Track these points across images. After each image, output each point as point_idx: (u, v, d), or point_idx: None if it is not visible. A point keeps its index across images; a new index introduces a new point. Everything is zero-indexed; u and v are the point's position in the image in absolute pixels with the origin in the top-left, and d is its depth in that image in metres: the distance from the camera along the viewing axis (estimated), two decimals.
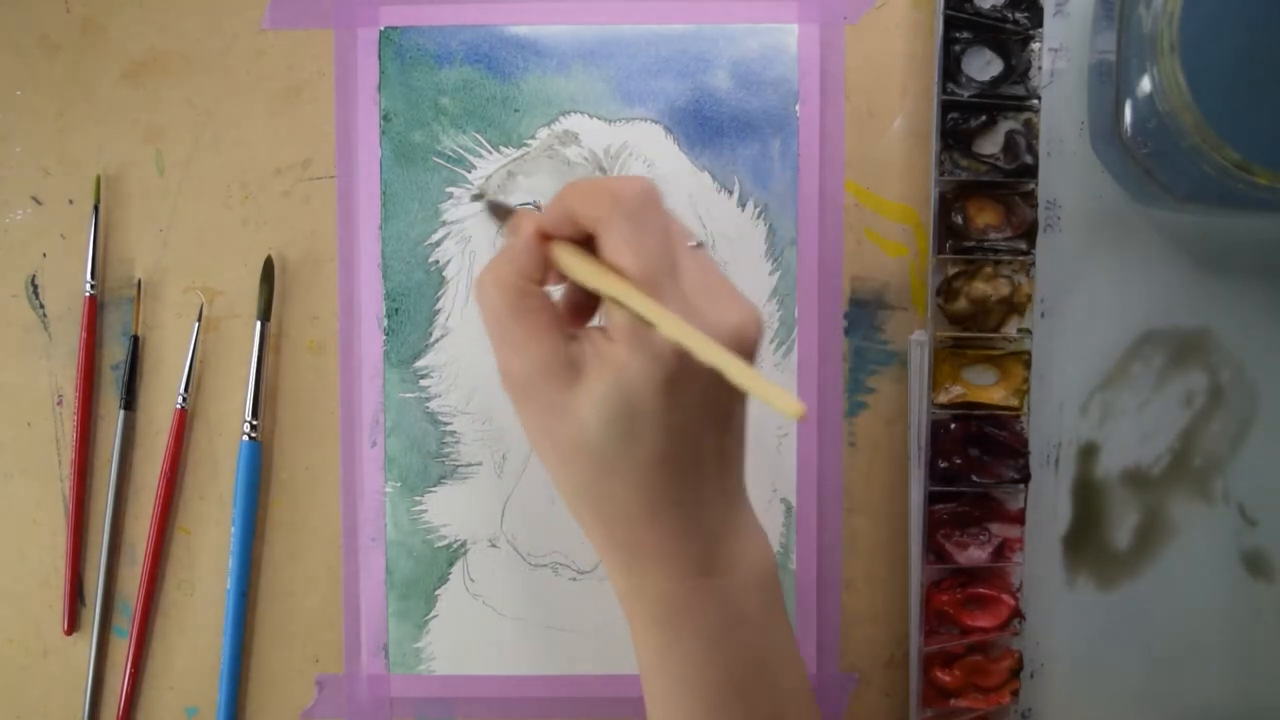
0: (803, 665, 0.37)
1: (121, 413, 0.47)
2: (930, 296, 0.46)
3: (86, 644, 0.48)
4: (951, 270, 0.46)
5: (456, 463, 0.47)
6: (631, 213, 0.32)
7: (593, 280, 0.33)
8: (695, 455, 0.34)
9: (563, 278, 0.35)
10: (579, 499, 0.35)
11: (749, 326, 0.33)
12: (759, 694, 0.36)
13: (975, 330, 0.46)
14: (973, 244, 0.45)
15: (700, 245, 0.39)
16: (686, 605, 0.35)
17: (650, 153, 0.47)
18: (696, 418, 0.33)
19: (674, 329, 0.30)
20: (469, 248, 0.47)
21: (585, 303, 0.37)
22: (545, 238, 0.34)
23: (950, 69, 0.45)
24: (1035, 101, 0.45)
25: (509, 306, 0.34)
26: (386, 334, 0.47)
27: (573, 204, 0.33)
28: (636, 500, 0.34)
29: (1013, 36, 0.45)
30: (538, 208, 0.47)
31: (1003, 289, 0.45)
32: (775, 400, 0.28)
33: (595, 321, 0.37)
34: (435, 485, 0.47)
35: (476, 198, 0.46)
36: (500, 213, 0.41)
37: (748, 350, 0.33)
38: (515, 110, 0.47)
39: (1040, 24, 0.45)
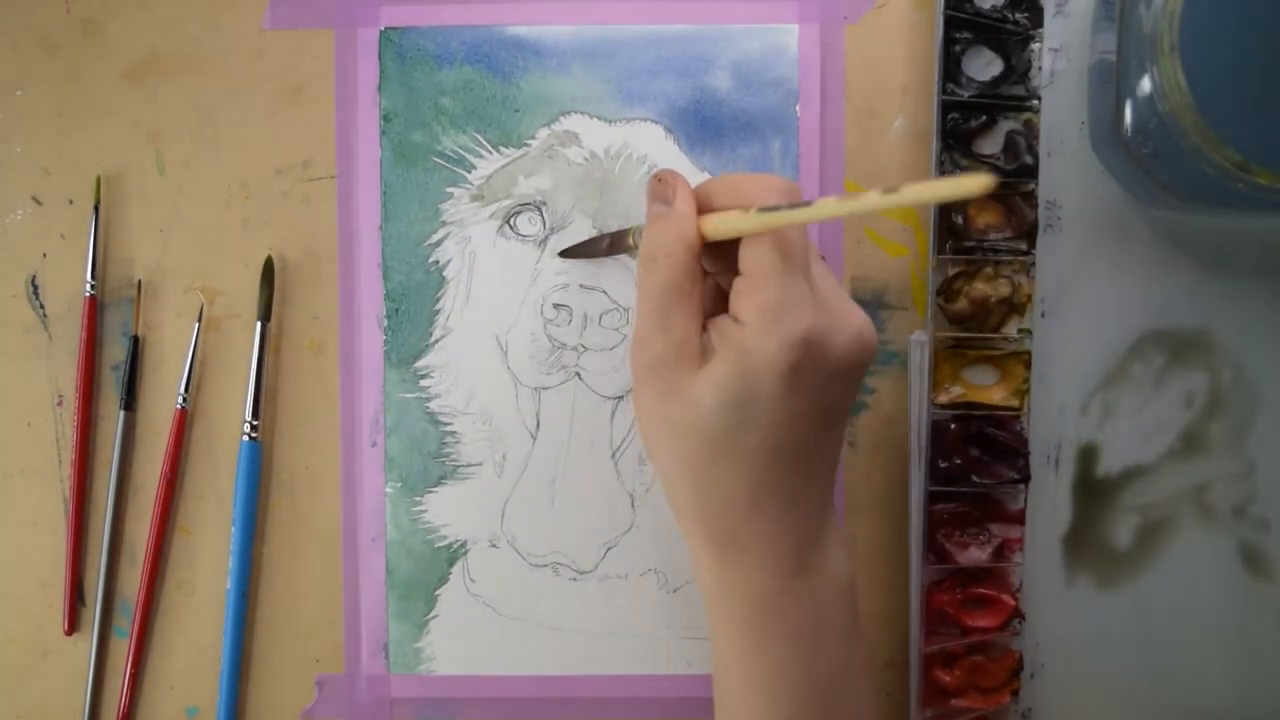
0: (874, 682, 0.37)
1: (121, 413, 0.47)
2: (930, 296, 0.46)
3: (86, 644, 0.48)
4: (952, 270, 0.46)
5: (457, 463, 0.47)
6: (781, 190, 0.34)
7: (754, 223, 0.33)
8: (803, 450, 0.34)
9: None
10: (682, 486, 0.35)
11: (868, 329, 0.34)
12: (841, 705, 0.35)
13: (975, 330, 0.46)
14: (973, 244, 0.45)
15: (823, 257, 0.41)
16: (779, 604, 0.35)
17: (650, 153, 0.47)
18: (810, 412, 0.34)
19: (833, 206, 0.31)
20: (469, 248, 0.47)
21: (716, 300, 0.37)
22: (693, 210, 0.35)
23: (950, 69, 0.45)
24: (1035, 102, 0.45)
25: (676, 283, 0.34)
26: (386, 334, 0.47)
27: (721, 191, 0.35)
28: (741, 489, 0.34)
29: (1013, 36, 0.45)
30: (539, 208, 0.47)
31: (1003, 289, 0.45)
32: (965, 186, 0.27)
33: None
34: (435, 485, 0.47)
35: (564, 254, 0.46)
36: (600, 245, 0.43)
37: (869, 353, 0.34)
38: (515, 110, 0.47)
39: (1040, 24, 0.45)
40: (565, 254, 0.46)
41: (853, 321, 0.34)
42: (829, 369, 0.33)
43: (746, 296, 0.33)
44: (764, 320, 0.33)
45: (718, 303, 0.37)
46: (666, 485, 0.36)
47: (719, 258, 0.36)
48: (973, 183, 0.26)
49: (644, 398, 0.35)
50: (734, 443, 0.33)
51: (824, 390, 0.34)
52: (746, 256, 0.34)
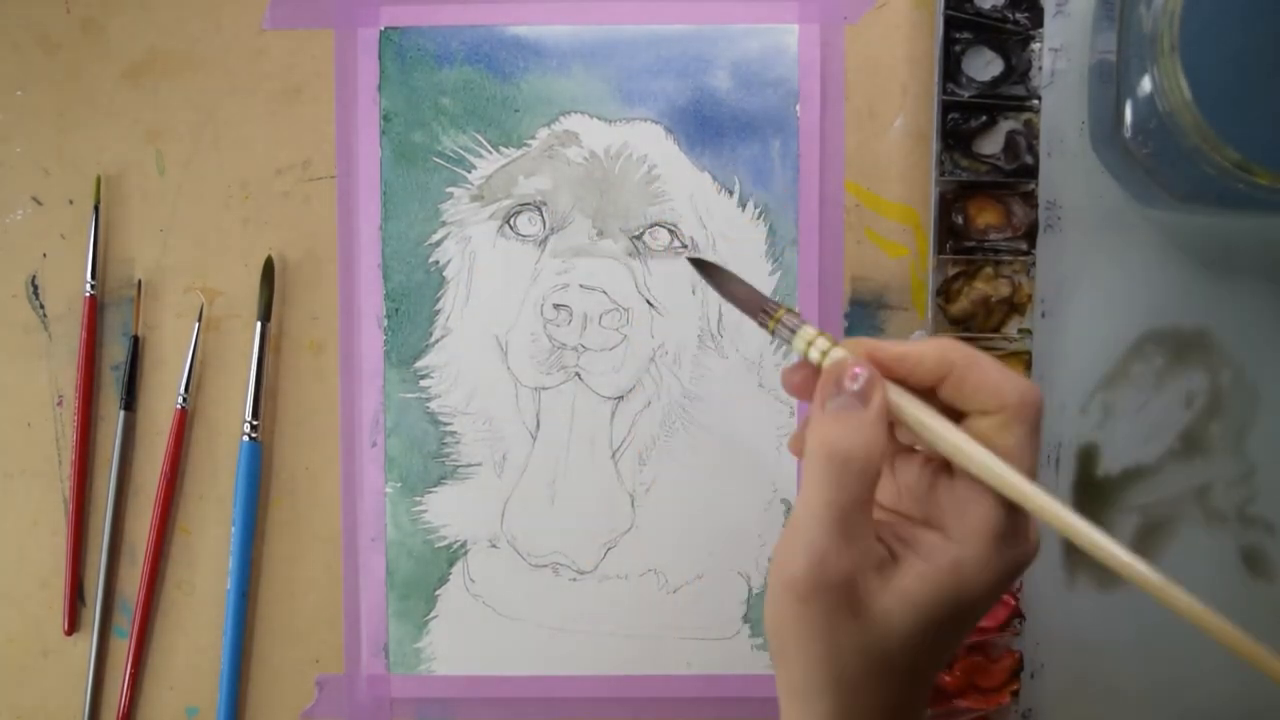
0: None
1: (121, 413, 0.47)
2: (930, 297, 0.46)
3: (86, 644, 0.48)
4: (952, 271, 0.46)
5: (457, 463, 0.47)
6: (1037, 423, 0.29)
7: (977, 461, 0.29)
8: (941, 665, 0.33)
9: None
10: (830, 700, 0.30)
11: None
12: None
13: (976, 330, 0.46)
14: (973, 244, 0.45)
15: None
16: None
17: (650, 153, 0.47)
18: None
19: (1093, 541, 0.28)
20: (469, 248, 0.47)
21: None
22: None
23: (950, 69, 0.45)
24: (1035, 102, 0.45)
25: (868, 494, 0.29)
26: (386, 334, 0.47)
27: (976, 378, 0.29)
28: (897, 703, 0.30)
29: (1013, 36, 0.45)
30: (539, 208, 0.47)
31: (1003, 289, 0.45)
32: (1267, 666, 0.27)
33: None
34: (435, 485, 0.47)
35: (697, 262, 0.37)
36: (737, 292, 0.34)
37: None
38: (515, 110, 0.47)
39: (1040, 24, 0.45)
40: (695, 263, 0.36)
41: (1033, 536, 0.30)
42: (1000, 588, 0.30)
43: (970, 511, 0.29)
44: (990, 543, 0.29)
45: None
46: (798, 700, 0.30)
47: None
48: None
49: (806, 614, 0.29)
50: (911, 662, 0.30)
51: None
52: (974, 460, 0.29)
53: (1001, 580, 0.29)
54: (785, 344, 0.33)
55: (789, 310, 0.32)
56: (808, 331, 0.31)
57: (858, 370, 0.30)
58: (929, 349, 0.30)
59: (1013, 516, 0.29)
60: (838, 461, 0.29)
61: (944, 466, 0.31)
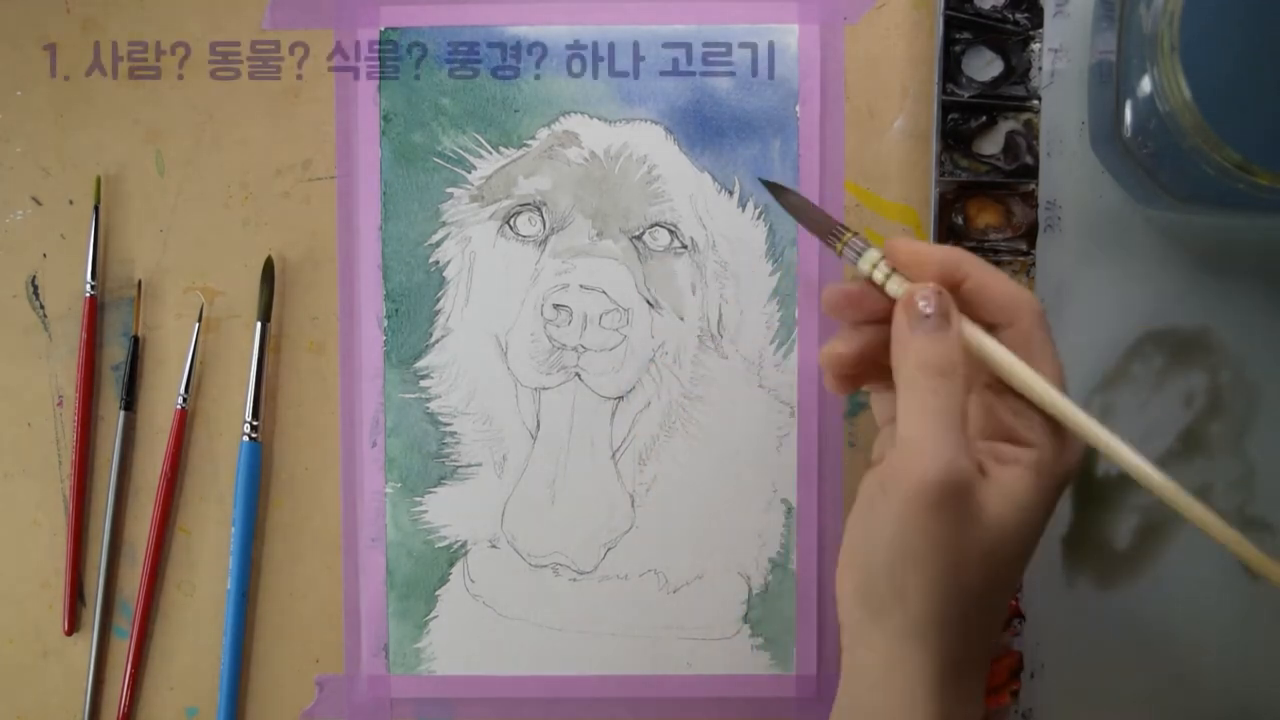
0: None
1: (121, 413, 0.47)
2: None
3: (86, 644, 0.48)
4: None
5: (457, 463, 0.47)
6: (1047, 326, 0.34)
7: (1032, 385, 0.33)
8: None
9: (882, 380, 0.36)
10: (947, 616, 0.32)
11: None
12: None
13: None
14: (973, 244, 0.45)
15: None
16: None
17: (650, 153, 0.47)
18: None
19: (1115, 450, 0.32)
20: (469, 248, 0.47)
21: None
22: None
23: (950, 69, 0.45)
24: (1035, 102, 0.45)
25: (963, 394, 0.33)
26: (386, 334, 0.47)
27: (994, 288, 0.34)
28: (1002, 613, 0.34)
29: (1013, 37, 0.45)
30: (539, 209, 0.47)
31: None
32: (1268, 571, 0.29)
33: None
34: (435, 486, 0.47)
35: (777, 188, 0.40)
36: (805, 211, 0.38)
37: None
38: (515, 110, 0.47)
39: (1040, 24, 0.45)
40: (770, 185, 0.40)
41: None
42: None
43: (1029, 414, 0.33)
44: (1057, 444, 0.33)
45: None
46: (919, 633, 0.32)
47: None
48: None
49: (937, 522, 0.31)
50: (1020, 565, 0.33)
51: None
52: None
53: (1073, 468, 0.33)
54: (851, 263, 0.36)
55: (855, 233, 0.36)
56: (873, 254, 0.35)
57: (931, 294, 0.33)
58: (938, 253, 0.34)
59: (1070, 408, 0.33)
60: (942, 375, 0.32)
61: (996, 382, 0.34)
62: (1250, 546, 0.31)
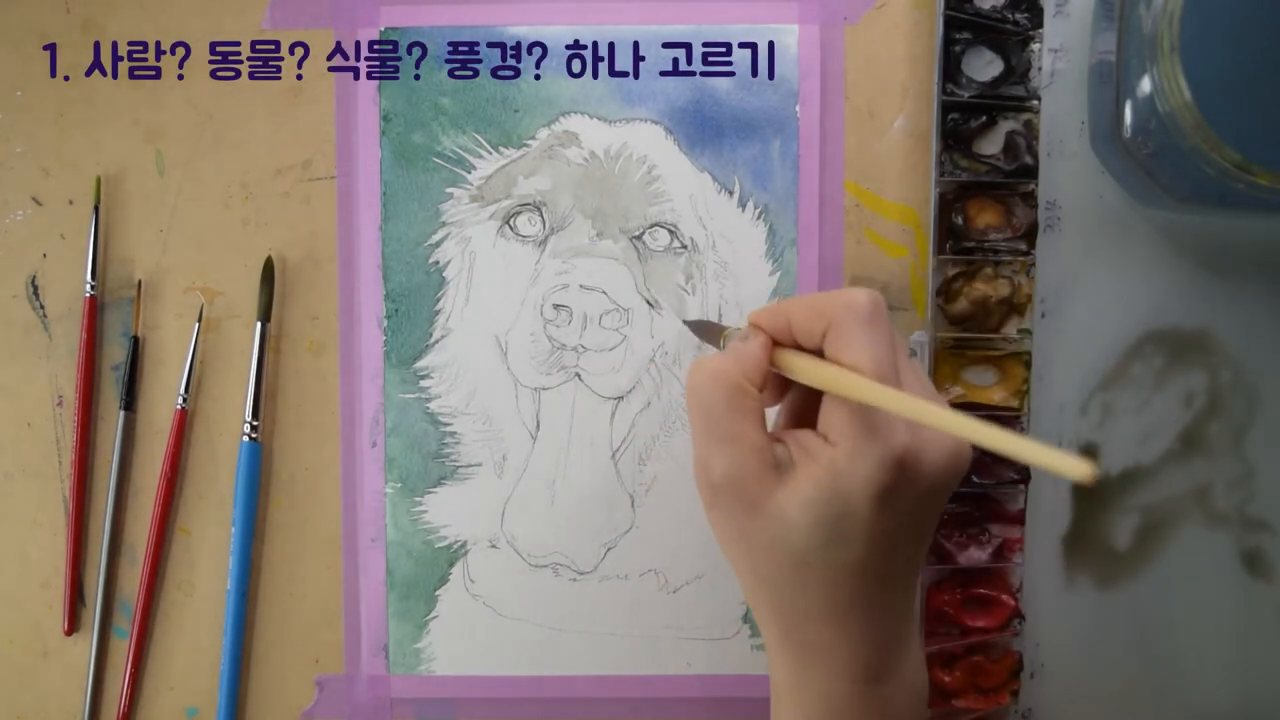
0: None
1: (121, 413, 0.47)
2: (930, 297, 0.46)
3: (86, 644, 0.48)
4: (952, 271, 0.46)
5: (456, 463, 0.47)
6: (863, 319, 0.33)
7: (826, 380, 0.33)
8: (891, 564, 0.34)
9: (779, 394, 0.37)
10: (762, 593, 0.35)
11: (963, 447, 0.34)
12: None
13: (975, 331, 0.46)
14: (973, 244, 0.45)
15: (913, 354, 0.41)
16: (850, 709, 0.35)
17: (650, 153, 0.47)
18: (901, 528, 0.33)
19: (921, 411, 0.30)
20: (469, 248, 0.47)
21: (804, 412, 0.37)
22: (772, 346, 0.35)
23: (950, 69, 0.45)
24: (1035, 102, 0.45)
25: (725, 400, 0.34)
26: (386, 334, 0.47)
27: (799, 313, 0.34)
28: (824, 602, 0.34)
29: (1013, 37, 0.45)
30: (539, 208, 0.47)
31: (1003, 289, 0.45)
32: (1061, 467, 0.26)
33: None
34: (435, 486, 0.47)
35: (691, 324, 0.46)
36: (708, 331, 0.43)
37: (963, 470, 0.34)
38: (515, 110, 0.47)
39: (1040, 24, 0.45)
40: (690, 324, 0.46)
41: (946, 438, 0.33)
42: (922, 488, 0.32)
43: (836, 413, 0.33)
44: (856, 440, 0.32)
45: (805, 415, 0.36)
46: (745, 591, 0.36)
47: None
48: (1075, 469, 0.26)
49: (718, 517, 0.35)
50: (821, 559, 0.33)
51: (915, 508, 0.33)
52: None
53: (879, 472, 0.32)
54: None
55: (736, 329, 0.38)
56: (737, 330, 0.38)
57: (749, 327, 0.36)
58: (763, 314, 0.36)
59: (868, 411, 0.32)
60: (706, 377, 0.34)
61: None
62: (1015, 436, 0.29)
